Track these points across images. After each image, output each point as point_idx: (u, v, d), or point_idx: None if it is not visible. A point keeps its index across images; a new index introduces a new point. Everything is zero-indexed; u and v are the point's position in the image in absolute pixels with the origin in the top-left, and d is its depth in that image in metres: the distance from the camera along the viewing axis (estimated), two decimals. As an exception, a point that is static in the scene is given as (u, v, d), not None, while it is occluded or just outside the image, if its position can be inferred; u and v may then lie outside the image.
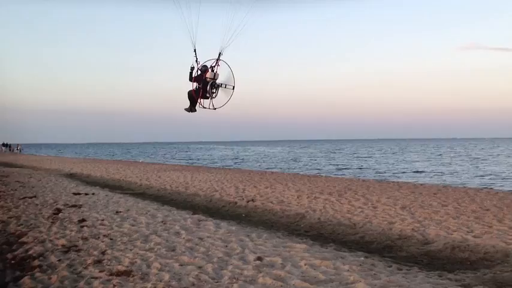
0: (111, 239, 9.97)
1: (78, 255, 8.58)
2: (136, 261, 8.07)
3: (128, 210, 14.38)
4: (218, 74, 10.00)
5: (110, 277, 7.12)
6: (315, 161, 60.58)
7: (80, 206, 14.93)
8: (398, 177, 35.04)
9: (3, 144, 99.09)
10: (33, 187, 21.71)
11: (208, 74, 9.86)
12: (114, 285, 6.68)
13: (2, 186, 21.62)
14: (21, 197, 17.55)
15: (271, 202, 16.39)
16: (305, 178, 26.92)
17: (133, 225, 11.67)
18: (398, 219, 12.58)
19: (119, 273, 7.27)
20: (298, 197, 17.42)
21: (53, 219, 12.51)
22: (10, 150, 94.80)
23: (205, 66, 9.93)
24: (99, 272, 7.44)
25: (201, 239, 10.06)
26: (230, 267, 7.72)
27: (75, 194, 18.82)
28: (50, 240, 9.86)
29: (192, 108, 10.28)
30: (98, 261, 8.08)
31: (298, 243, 9.80)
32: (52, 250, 9.01)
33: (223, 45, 9.55)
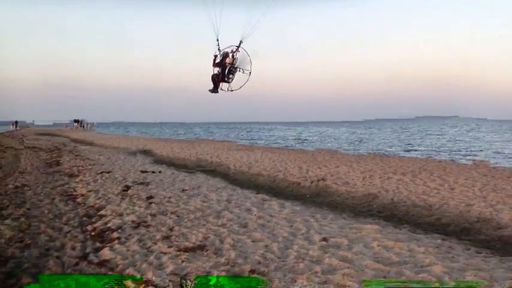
0: (178, 216, 10.62)
1: (147, 231, 9.28)
2: (209, 236, 8.62)
3: (199, 187, 15.12)
4: (237, 59, 10.73)
5: (178, 253, 7.67)
6: (384, 141, 59.18)
7: (148, 184, 15.83)
8: (476, 156, 33.50)
9: (75, 121, 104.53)
10: (102, 165, 23.02)
11: (228, 60, 10.70)
12: (182, 261, 7.21)
13: (81, 162, 23.18)
14: (99, 171, 18.82)
15: (336, 183, 16.31)
16: (377, 158, 26.42)
17: (204, 202, 12.30)
18: (477, 202, 12.23)
19: (186, 249, 7.83)
20: (368, 177, 17.12)
21: (122, 196, 13.45)
22: (81, 126, 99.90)
23: (226, 52, 10.72)
24: (168, 247, 8.03)
25: (271, 216, 10.48)
26: (295, 247, 8.02)
27: (142, 171, 19.85)
28: (126, 215, 10.72)
29: (214, 90, 11.12)
30: (166, 237, 8.71)
31: (369, 224, 9.89)
32: (123, 224, 9.84)
33: (244, 34, 10.29)
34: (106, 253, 7.83)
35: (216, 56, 10.88)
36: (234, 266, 6.97)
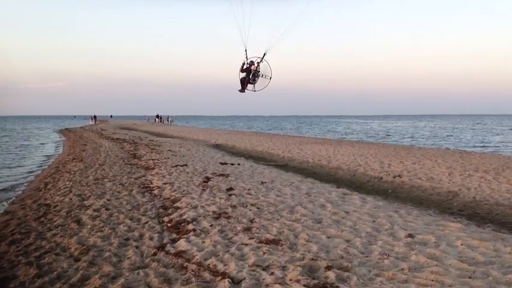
0: (258, 208, 10.66)
1: (228, 222, 9.37)
2: (283, 231, 8.57)
3: (273, 181, 15.12)
4: (260, 67, 13.30)
5: (259, 244, 7.68)
6: (462, 137, 56.57)
7: (227, 176, 16.03)
8: None
9: (157, 116, 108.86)
10: (183, 156, 23.75)
11: (253, 67, 13.28)
12: (264, 253, 7.19)
13: (156, 155, 23.99)
14: (173, 165, 19.35)
15: (420, 178, 16.28)
16: (456, 154, 25.54)
17: (278, 196, 12.29)
18: None
19: (267, 241, 7.81)
20: (449, 174, 16.95)
21: (203, 187, 13.67)
22: (161, 121, 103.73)
23: (252, 61, 13.29)
24: (249, 239, 8.06)
25: (347, 212, 10.32)
26: (380, 243, 7.83)
27: (222, 163, 20.20)
28: (202, 206, 10.86)
29: (242, 90, 13.64)
30: (247, 229, 8.74)
31: (452, 222, 9.61)
32: (204, 215, 9.94)
33: (268, 47, 12.92)
34: (182, 244, 7.97)
35: (244, 63, 13.42)
36: (315, 260, 6.84)
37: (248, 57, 13.25)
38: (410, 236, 8.29)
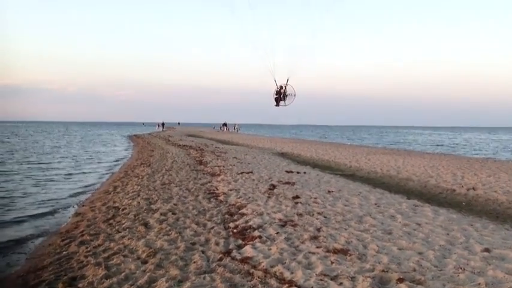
0: (325, 217, 10.50)
1: (294, 230, 9.27)
2: (352, 241, 8.38)
3: (340, 190, 14.89)
4: (286, 90, 17.51)
5: (327, 254, 7.54)
6: None
7: (293, 184, 15.94)
8: None
9: (224, 124, 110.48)
10: (249, 163, 23.90)
11: (282, 90, 17.50)
12: (332, 262, 7.05)
13: (222, 162, 24.28)
14: (239, 172, 19.49)
15: (496, 192, 15.74)
16: None
17: (346, 205, 12.07)
18: None
19: (335, 251, 7.66)
20: None
21: (268, 194, 13.65)
22: (227, 129, 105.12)
23: (281, 85, 17.53)
24: (316, 247, 7.93)
25: (418, 224, 9.99)
26: (454, 256, 7.52)
27: (287, 171, 20.14)
28: (268, 214, 10.83)
29: (277, 105, 17.78)
30: (314, 238, 8.62)
31: None
32: (270, 223, 9.90)
33: (289, 74, 17.32)
34: (248, 250, 7.96)
35: (276, 89, 17.71)
36: (386, 271, 6.63)
37: (277, 83, 17.55)
38: (486, 250, 7.92)
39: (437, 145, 63.51)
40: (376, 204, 12.51)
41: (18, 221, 12.70)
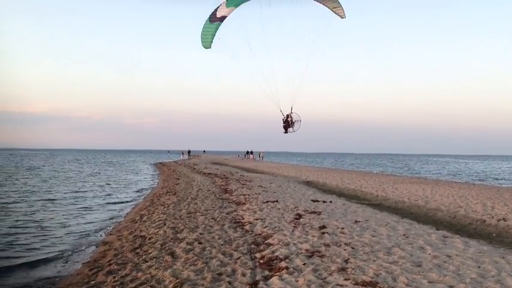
0: (352, 248, 10.35)
1: (321, 261, 9.17)
2: (381, 273, 8.24)
3: (367, 220, 14.72)
4: (292, 117, 18.65)
5: (356, 286, 7.42)
6: None
7: (319, 213, 15.81)
8: None
9: (247, 152, 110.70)
10: (274, 192, 23.83)
11: (289, 118, 18.65)
12: (360, 295, 6.93)
13: (247, 190, 24.29)
14: (264, 201, 19.46)
15: None
16: None
17: (373, 236, 11.90)
18: None
19: (364, 284, 7.53)
20: None
21: (295, 224, 13.57)
22: (251, 157, 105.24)
23: (288, 115, 18.65)
24: (344, 280, 7.80)
25: (448, 256, 9.75)
26: (487, 291, 7.29)
27: (313, 200, 20.01)
28: (294, 244, 10.74)
29: (285, 132, 18.91)
30: (342, 269, 8.49)
31: None
32: (297, 253, 9.81)
33: (292, 103, 18.59)
34: (275, 282, 7.88)
35: (283, 118, 18.82)
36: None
37: (283, 113, 18.79)
38: (520, 284, 7.66)
39: (468, 174, 62.53)
40: (404, 235, 12.29)
41: (46, 251, 12.88)
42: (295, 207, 17.37)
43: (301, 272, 8.43)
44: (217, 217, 15.39)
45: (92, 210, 21.30)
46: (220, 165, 63.27)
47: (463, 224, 16.03)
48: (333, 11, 16.58)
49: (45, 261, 11.84)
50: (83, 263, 11.02)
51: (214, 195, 22.61)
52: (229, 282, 7.97)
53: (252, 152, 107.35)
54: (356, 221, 14.34)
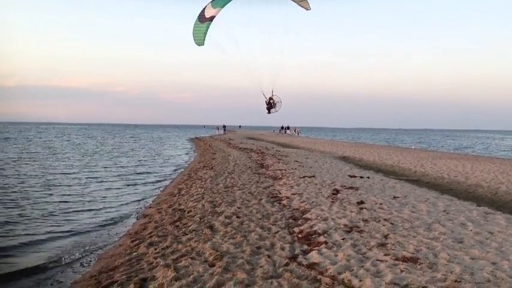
0: (392, 224, 10.28)
1: (360, 236, 9.14)
2: (421, 249, 8.16)
3: (406, 196, 14.56)
4: (274, 99, 19.25)
5: (396, 262, 7.37)
6: None
7: (357, 189, 15.73)
8: None
9: (282, 127, 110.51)
10: (310, 167, 23.81)
11: (271, 101, 19.30)
12: (402, 271, 6.88)
13: (283, 165, 24.32)
14: (301, 176, 19.46)
15: None
16: None
17: (413, 212, 11.78)
18: None
19: (405, 259, 7.47)
20: None
21: (332, 199, 13.54)
22: (285, 132, 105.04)
23: (270, 97, 19.25)
24: (384, 255, 7.77)
25: (491, 233, 9.59)
26: (531, 268, 7.15)
27: (350, 176, 19.91)
28: (332, 219, 10.73)
29: (268, 113, 19.52)
30: (382, 245, 8.46)
31: None
32: (335, 228, 9.81)
33: (273, 87, 19.38)
34: (314, 256, 7.90)
35: (266, 101, 19.41)
36: (459, 281, 6.40)
37: (266, 96, 19.50)
38: None
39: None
40: (444, 211, 12.11)
41: (89, 222, 13.25)
42: (332, 183, 17.32)
43: (340, 246, 8.43)
44: (254, 191, 15.49)
45: (131, 185, 21.72)
46: (255, 140, 63.41)
47: (505, 200, 15.67)
48: (299, 4, 17.49)
49: (89, 231, 12.23)
50: (124, 235, 11.29)
51: (251, 169, 22.74)
52: (269, 256, 8.03)
53: (288, 128, 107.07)
54: (394, 197, 14.22)
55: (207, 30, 17.35)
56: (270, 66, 19.06)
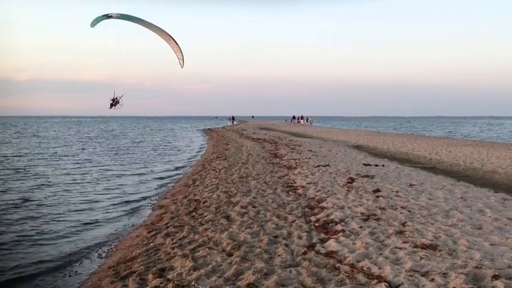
0: (409, 211, 10.25)
1: (378, 224, 9.12)
2: (440, 236, 8.12)
3: (422, 183, 14.49)
4: (118, 98, 20.41)
5: (415, 249, 7.34)
6: None
7: (372, 177, 15.67)
8: None
9: (293, 117, 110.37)
10: (324, 156, 23.78)
11: (116, 99, 20.38)
12: (421, 258, 6.86)
13: (297, 155, 24.30)
14: (315, 165, 19.42)
15: None
16: None
17: (430, 199, 11.71)
18: None
19: (423, 246, 7.44)
20: None
21: (348, 188, 13.51)
22: (297, 122, 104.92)
23: (116, 97, 20.41)
24: (403, 242, 7.75)
25: (510, 219, 9.49)
26: (551, 253, 7.09)
27: (365, 164, 19.84)
28: (349, 207, 10.72)
29: (110, 108, 20.54)
30: (400, 232, 8.43)
31: None
32: (352, 217, 9.79)
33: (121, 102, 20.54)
34: (332, 244, 7.89)
35: (111, 98, 20.34)
36: (479, 268, 6.35)
37: (115, 95, 20.43)
38: None
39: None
40: (462, 197, 12.04)
41: (105, 214, 13.36)
42: (347, 171, 17.27)
43: (358, 235, 8.42)
44: (269, 181, 15.50)
45: (145, 175, 21.87)
46: (268, 130, 63.39)
47: (523, 186, 15.48)
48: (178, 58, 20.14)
49: (105, 222, 12.32)
50: (140, 226, 11.36)
51: (265, 159, 22.74)
52: (286, 245, 8.03)
53: (302, 117, 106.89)
54: (411, 184, 14.16)
55: (101, 21, 18.18)
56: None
